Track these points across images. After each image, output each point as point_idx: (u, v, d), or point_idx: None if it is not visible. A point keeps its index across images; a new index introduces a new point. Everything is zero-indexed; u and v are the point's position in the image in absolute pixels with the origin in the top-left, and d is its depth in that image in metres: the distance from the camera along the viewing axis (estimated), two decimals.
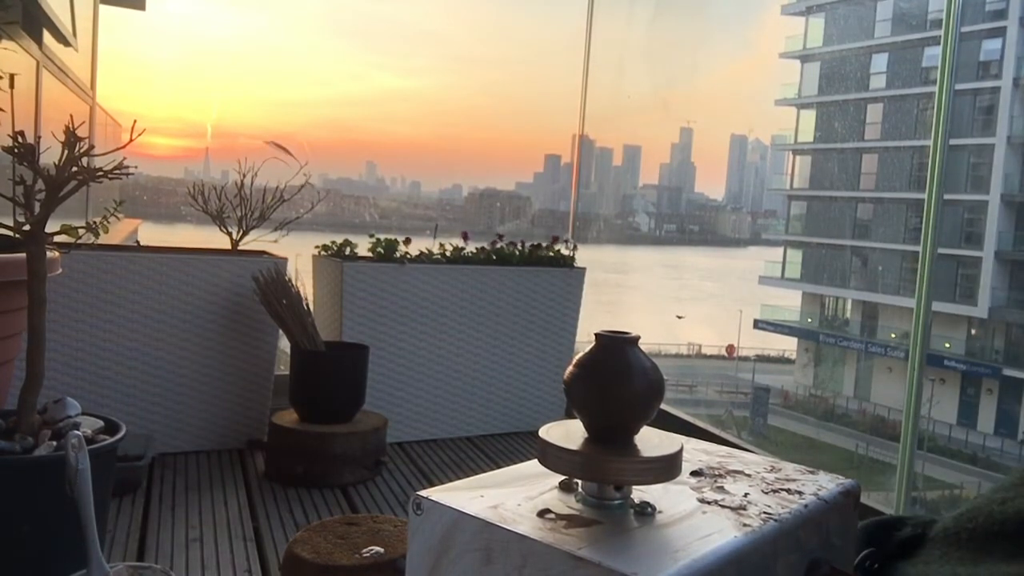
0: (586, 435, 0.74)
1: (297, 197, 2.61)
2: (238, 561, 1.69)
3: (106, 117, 5.19)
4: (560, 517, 0.69)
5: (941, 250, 2.47)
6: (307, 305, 2.36)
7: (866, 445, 18.35)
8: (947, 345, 19.93)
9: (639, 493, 0.74)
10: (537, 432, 0.76)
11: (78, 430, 1.30)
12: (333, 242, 2.68)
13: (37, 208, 1.37)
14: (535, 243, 2.94)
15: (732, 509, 0.74)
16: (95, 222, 1.73)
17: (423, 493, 0.72)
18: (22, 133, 1.37)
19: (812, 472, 0.87)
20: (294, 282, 2.37)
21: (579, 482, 0.75)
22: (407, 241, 2.70)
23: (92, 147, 1.40)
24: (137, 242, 2.66)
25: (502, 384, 2.85)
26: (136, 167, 1.45)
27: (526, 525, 0.67)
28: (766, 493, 0.79)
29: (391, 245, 2.66)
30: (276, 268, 2.37)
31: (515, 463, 0.82)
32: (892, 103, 22.54)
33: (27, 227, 1.37)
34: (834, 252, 24.12)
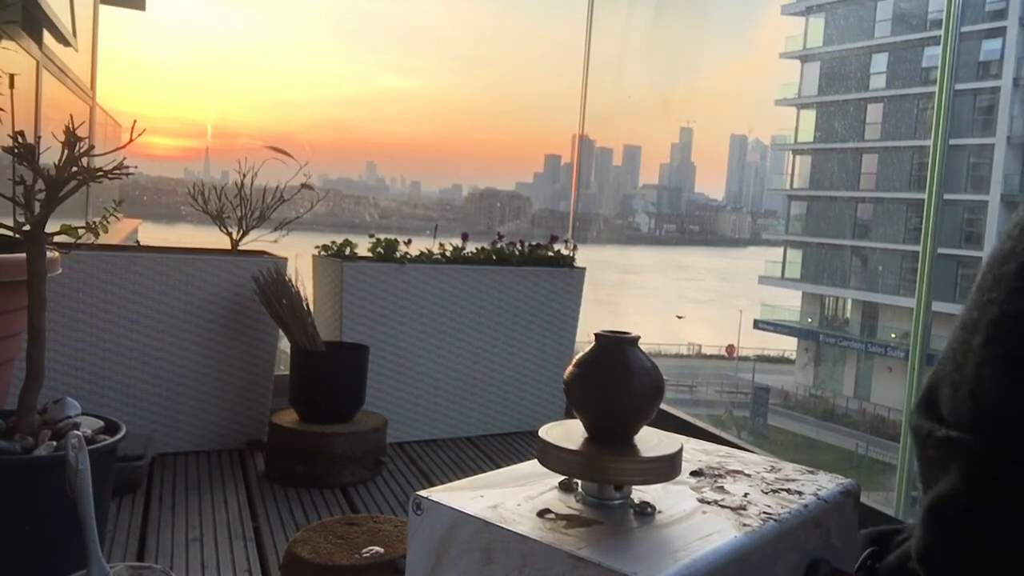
0: (586, 435, 0.74)
1: (297, 197, 2.61)
2: (238, 561, 1.69)
3: (106, 117, 5.19)
4: (560, 517, 0.69)
5: (941, 250, 2.47)
6: (307, 305, 2.36)
7: (866, 445, 18.35)
8: None
9: (639, 493, 0.74)
10: (537, 432, 0.76)
11: (78, 430, 1.30)
12: (333, 242, 2.68)
13: (37, 208, 1.37)
14: (535, 243, 2.94)
15: (732, 509, 0.74)
16: (95, 222, 1.73)
17: (423, 493, 0.72)
18: (22, 133, 1.37)
19: (812, 472, 0.87)
20: (294, 282, 2.37)
21: (579, 482, 0.75)
22: (408, 242, 2.70)
23: (92, 147, 1.40)
24: (137, 242, 2.66)
25: (502, 384, 2.85)
26: (136, 167, 1.45)
27: (526, 525, 0.67)
28: (766, 493, 0.79)
29: (391, 245, 2.66)
30: (276, 268, 2.37)
31: (515, 463, 0.82)
32: (892, 103, 22.55)
33: (27, 227, 1.37)
34: (834, 252, 24.13)
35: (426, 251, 2.75)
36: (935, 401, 0.67)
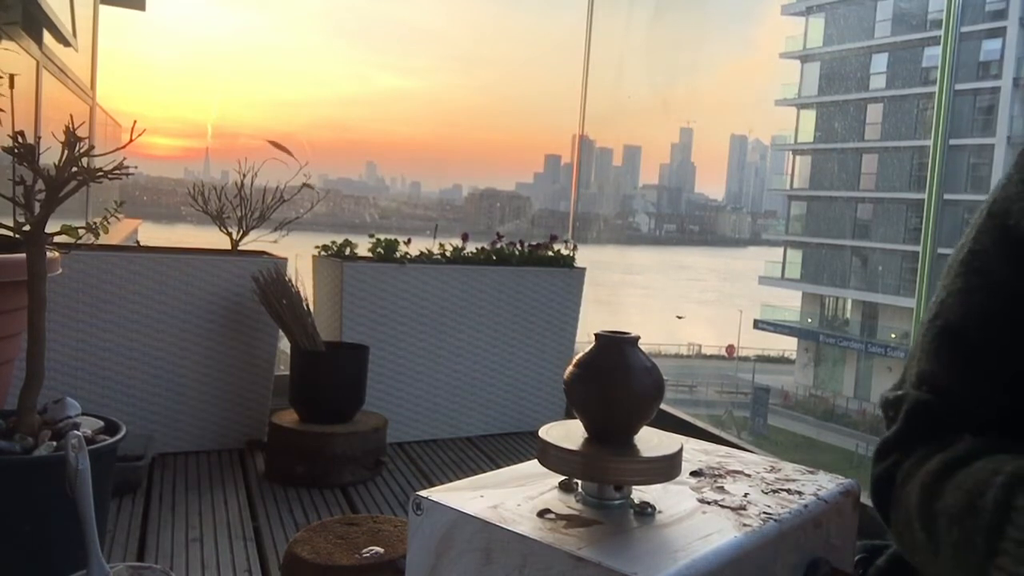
0: (586, 435, 0.74)
1: (297, 197, 2.60)
2: (238, 561, 1.69)
3: (106, 117, 5.19)
4: (560, 517, 0.69)
5: (941, 250, 2.47)
6: (307, 305, 2.36)
7: (866, 445, 18.32)
8: None
9: (639, 493, 0.74)
10: (537, 432, 0.76)
11: (78, 430, 1.30)
12: (333, 242, 2.68)
13: (37, 208, 1.37)
14: (535, 243, 2.94)
15: (732, 509, 0.74)
16: (95, 222, 1.73)
17: (423, 493, 0.72)
18: (22, 133, 1.37)
19: (812, 472, 0.87)
20: (294, 282, 2.37)
21: (579, 482, 0.75)
22: (408, 242, 2.70)
23: (92, 147, 1.40)
24: (137, 242, 2.66)
25: (502, 384, 2.85)
26: (136, 167, 1.45)
27: (526, 525, 0.67)
28: (766, 493, 0.79)
29: (391, 245, 2.66)
30: (276, 268, 2.37)
31: (515, 463, 0.82)
32: (892, 103, 22.53)
33: (27, 227, 1.37)
34: (834, 252, 24.10)
35: (426, 251, 2.75)
36: (904, 379, 0.79)
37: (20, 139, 1.36)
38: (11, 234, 1.39)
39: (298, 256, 2.60)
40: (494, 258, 2.84)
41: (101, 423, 1.50)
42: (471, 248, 2.84)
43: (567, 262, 2.95)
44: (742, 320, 25.38)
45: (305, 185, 2.55)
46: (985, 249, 0.72)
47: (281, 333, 2.41)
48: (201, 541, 1.78)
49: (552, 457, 0.72)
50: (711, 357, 26.60)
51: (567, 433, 0.74)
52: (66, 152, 1.37)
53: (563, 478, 0.76)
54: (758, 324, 25.33)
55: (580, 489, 0.75)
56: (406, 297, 2.63)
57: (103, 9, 4.46)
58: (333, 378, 2.34)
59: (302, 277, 2.49)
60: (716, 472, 0.85)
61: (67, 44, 3.04)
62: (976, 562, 0.60)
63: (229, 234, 2.58)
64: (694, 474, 0.83)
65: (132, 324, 2.26)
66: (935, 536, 0.65)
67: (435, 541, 0.70)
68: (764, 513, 0.73)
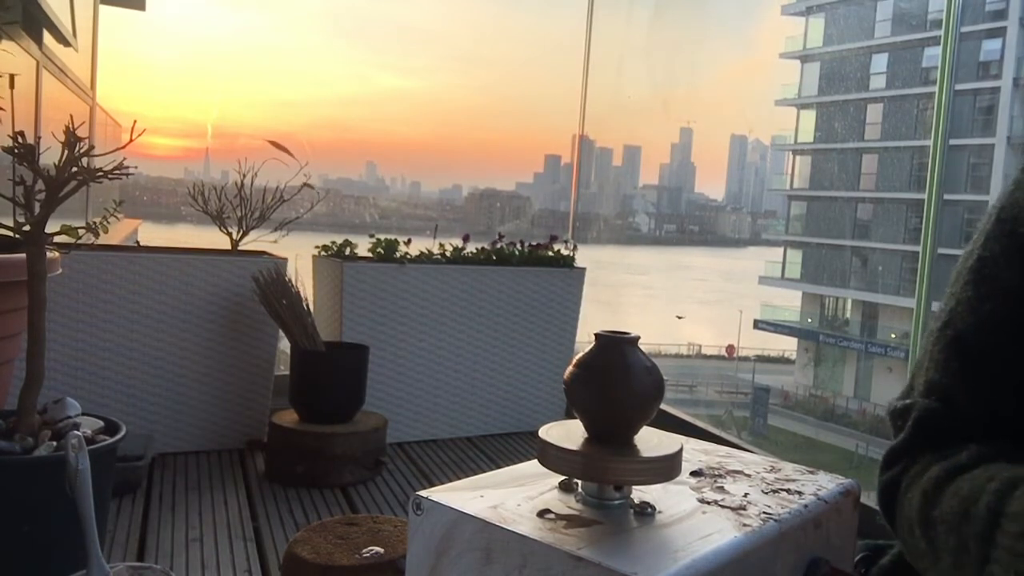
0: (586, 435, 0.74)
1: (297, 197, 2.60)
2: (238, 561, 1.69)
3: (106, 117, 5.18)
4: (560, 517, 0.69)
5: (941, 250, 2.47)
6: (307, 305, 2.36)
7: (866, 445, 18.32)
8: None
9: (639, 493, 0.74)
10: (537, 432, 0.76)
11: (78, 430, 1.30)
12: (333, 242, 2.68)
13: (37, 208, 1.37)
14: (535, 243, 2.94)
15: (732, 509, 0.74)
16: (95, 222, 1.73)
17: (423, 493, 0.72)
18: (22, 133, 1.37)
19: (812, 472, 0.87)
20: (294, 282, 2.37)
21: (579, 482, 0.75)
22: (408, 242, 2.70)
23: (92, 147, 1.40)
24: (137, 242, 2.66)
25: (502, 384, 2.85)
26: (136, 167, 1.45)
27: (526, 525, 0.67)
28: (766, 493, 0.79)
29: (391, 245, 2.66)
30: (276, 268, 2.37)
31: (515, 463, 0.82)
32: (892, 103, 22.52)
33: (27, 227, 1.37)
34: (834, 252, 24.09)
35: (426, 251, 2.75)
36: (912, 387, 0.79)
37: (20, 139, 1.36)
38: (11, 234, 1.39)
39: (298, 256, 2.60)
40: (494, 258, 2.84)
41: (101, 423, 1.50)
42: (471, 248, 2.84)
43: (567, 262, 2.95)
44: (742, 320, 25.37)
45: (305, 185, 2.55)
46: (994, 256, 0.72)
47: (281, 333, 2.41)
48: (201, 541, 1.78)
49: (552, 457, 0.72)
50: (711, 357, 26.59)
51: (567, 433, 0.74)
52: (66, 152, 1.37)
53: (563, 478, 0.76)
54: (758, 324, 25.32)
55: (580, 489, 0.75)
56: (406, 297, 2.63)
57: (103, 9, 4.46)
58: (333, 378, 2.34)
59: (302, 277, 2.49)
60: (716, 472, 0.85)
61: (67, 44, 3.03)
62: (971, 568, 0.61)
63: (229, 234, 2.58)
64: (694, 474, 0.83)
65: (132, 324, 2.26)
66: (934, 543, 0.66)
67: (435, 541, 0.70)
68: (764, 513, 0.73)
